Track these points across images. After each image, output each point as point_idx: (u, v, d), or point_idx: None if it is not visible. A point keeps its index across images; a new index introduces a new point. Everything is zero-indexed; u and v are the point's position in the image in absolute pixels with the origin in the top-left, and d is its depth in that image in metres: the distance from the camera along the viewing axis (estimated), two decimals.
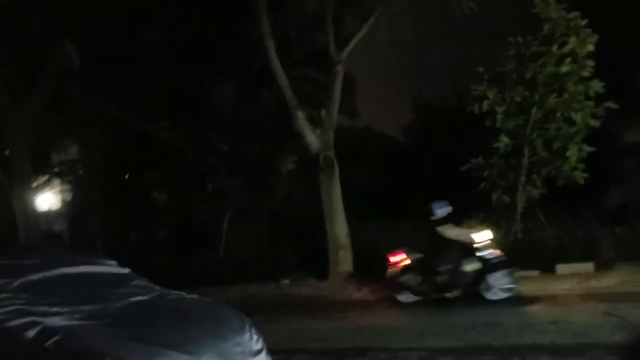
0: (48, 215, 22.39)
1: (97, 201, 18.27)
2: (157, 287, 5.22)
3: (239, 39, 14.04)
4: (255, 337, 4.62)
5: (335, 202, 11.90)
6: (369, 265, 12.28)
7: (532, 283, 10.46)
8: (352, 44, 12.65)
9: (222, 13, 13.40)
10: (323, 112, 12.33)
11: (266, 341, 6.42)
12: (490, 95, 12.29)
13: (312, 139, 12.05)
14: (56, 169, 20.52)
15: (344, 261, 11.76)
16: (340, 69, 12.60)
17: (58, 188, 22.55)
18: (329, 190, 11.93)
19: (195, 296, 5.15)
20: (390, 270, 9.59)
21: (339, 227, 11.84)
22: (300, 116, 12.06)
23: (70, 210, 21.52)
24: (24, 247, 9.11)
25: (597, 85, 11.93)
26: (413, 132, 20.81)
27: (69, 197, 21.96)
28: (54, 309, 4.17)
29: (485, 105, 12.32)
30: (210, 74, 15.33)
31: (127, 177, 19.48)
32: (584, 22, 11.60)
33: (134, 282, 5.13)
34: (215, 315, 4.66)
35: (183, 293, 5.22)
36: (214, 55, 14.94)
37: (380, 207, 15.90)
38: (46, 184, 21.37)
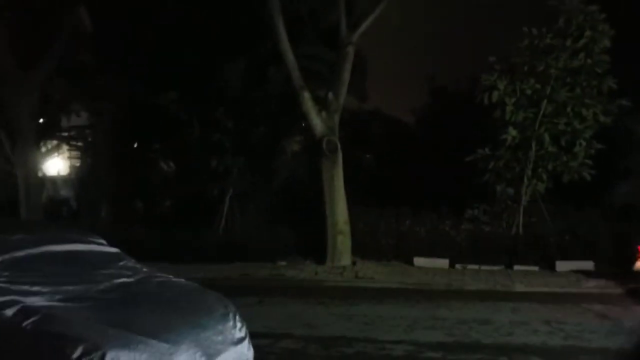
0: (56, 180, 22.57)
1: (105, 168, 18.29)
2: (145, 269, 5.18)
3: (250, 15, 13.83)
4: (238, 325, 4.58)
5: (337, 187, 11.79)
6: (371, 252, 12.33)
7: (530, 279, 10.39)
8: (365, 25, 12.41)
9: None
10: (330, 94, 12.15)
11: (256, 324, 6.44)
12: (501, 86, 12.11)
13: (317, 122, 11.91)
14: (65, 134, 20.59)
15: (343, 247, 11.71)
16: (350, 51, 12.38)
17: (67, 154, 22.68)
18: (331, 176, 11.82)
19: (182, 280, 5.11)
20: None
21: (339, 213, 11.76)
22: (307, 97, 11.90)
23: (78, 177, 21.61)
24: (10, 221, 9.07)
25: (610, 81, 11.71)
26: (423, 117, 20.45)
27: (77, 163, 22.04)
28: (36, 288, 4.15)
29: (495, 95, 12.14)
30: (220, 51, 15.17)
31: (135, 146, 19.47)
32: (602, 16, 11.33)
33: (121, 263, 5.09)
34: (199, 302, 4.62)
35: (170, 276, 5.18)
36: (223, 31, 14.78)
37: (384, 194, 15.90)
38: (55, 149, 21.48)
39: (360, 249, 12.31)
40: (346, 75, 12.36)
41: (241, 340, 4.52)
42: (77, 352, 3.58)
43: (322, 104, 12.33)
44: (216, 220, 14.41)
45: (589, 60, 11.58)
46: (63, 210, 20.18)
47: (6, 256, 4.34)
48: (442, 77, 20.13)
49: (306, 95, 11.89)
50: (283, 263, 12.10)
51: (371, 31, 14.94)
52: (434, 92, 20.08)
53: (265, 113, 15.28)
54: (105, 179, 18.29)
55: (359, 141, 19.27)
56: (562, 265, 11.17)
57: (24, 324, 3.76)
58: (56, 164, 23.10)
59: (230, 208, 14.65)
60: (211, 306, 4.60)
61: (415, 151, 18.72)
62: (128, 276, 4.84)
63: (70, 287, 4.31)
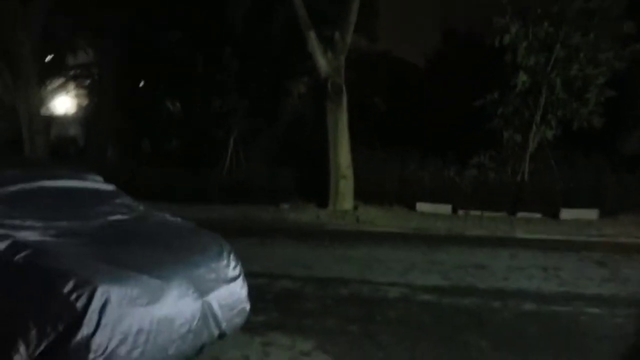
0: (63, 119, 22.56)
1: (111, 107, 18.22)
2: (141, 207, 5.17)
3: None
4: (232, 264, 4.59)
5: (341, 131, 11.67)
6: (374, 196, 12.32)
7: (532, 226, 10.38)
8: None
9: None
10: (336, 34, 11.84)
11: (255, 264, 6.50)
12: (513, 28, 11.73)
13: (322, 62, 11.66)
14: (72, 72, 20.44)
15: (345, 191, 11.69)
16: None
17: (74, 92, 22.56)
18: (335, 119, 11.68)
19: (178, 219, 5.10)
20: None
21: (342, 157, 11.68)
22: (312, 37, 11.62)
23: (85, 115, 21.57)
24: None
25: (628, 26, 11.31)
26: (434, 60, 20.10)
27: (84, 101, 21.96)
28: (28, 223, 4.14)
29: (506, 38, 11.80)
30: None
31: (141, 84, 19.31)
32: None
33: (117, 200, 5.09)
34: (193, 240, 4.63)
35: (167, 215, 5.18)
36: None
37: (391, 137, 15.84)
38: (61, 88, 21.38)
39: (363, 193, 12.31)
40: (353, 15, 12.01)
41: (234, 278, 4.54)
42: (68, 287, 3.58)
43: (328, 44, 12.05)
44: (220, 162, 14.42)
45: (604, 3, 11.15)
46: (70, 149, 20.28)
47: None
48: (454, 19, 19.62)
49: (312, 34, 11.61)
50: (285, 206, 12.15)
51: None
52: (446, 35, 19.61)
53: (270, 53, 15.01)
54: (112, 118, 18.26)
55: (367, 83, 18.95)
56: (566, 213, 11.13)
57: (15, 258, 3.77)
58: (63, 103, 23.03)
59: (234, 150, 14.62)
60: (205, 245, 4.60)
61: (424, 95, 18.54)
62: (123, 213, 4.84)
63: (64, 223, 4.30)
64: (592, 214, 11.14)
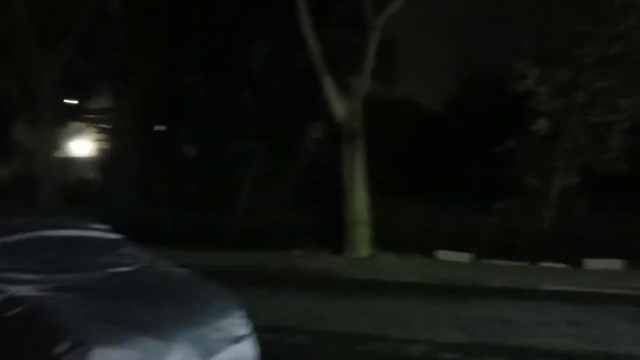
0: (82, 162, 22.68)
1: (129, 151, 18.27)
2: (146, 257, 4.92)
3: None
4: (240, 321, 4.28)
5: (357, 175, 11.44)
6: (392, 243, 11.95)
7: (557, 276, 9.91)
8: (389, 10, 11.97)
9: None
10: (353, 80, 11.75)
11: (266, 317, 6.16)
12: (533, 73, 11.56)
13: (339, 107, 11.54)
14: (92, 116, 20.64)
15: (361, 238, 11.36)
16: (375, 35, 11.95)
17: (92, 136, 22.77)
18: (351, 163, 11.46)
19: (184, 270, 4.83)
20: None
21: (359, 202, 11.41)
22: (328, 82, 11.54)
23: (103, 159, 21.70)
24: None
25: None
26: (453, 106, 20.08)
27: (103, 145, 22.14)
28: (25, 277, 3.90)
29: (527, 83, 11.61)
30: (245, 32, 14.91)
31: (160, 128, 19.43)
32: None
33: (121, 250, 4.84)
34: (197, 295, 4.34)
35: (173, 266, 4.91)
36: (249, 12, 14.49)
37: (411, 183, 15.32)
38: (81, 130, 21.56)
39: (381, 240, 11.94)
40: (370, 61, 11.95)
41: (243, 337, 4.23)
42: (62, 347, 3.33)
43: (346, 89, 11.97)
44: (235, 206, 14.23)
45: (628, 48, 10.96)
46: (88, 191, 20.28)
47: None
48: (473, 64, 19.64)
49: (328, 80, 11.54)
50: (300, 252, 11.81)
51: (401, 17, 14.53)
52: (466, 80, 19.64)
53: (288, 97, 15.01)
54: (130, 162, 18.29)
55: (386, 128, 19.00)
56: (591, 263, 10.65)
57: (9, 313, 3.52)
58: (83, 146, 23.21)
59: (249, 194, 14.44)
60: (212, 300, 4.31)
61: (444, 140, 18.36)
62: (126, 265, 4.58)
63: (62, 276, 4.05)
64: (617, 264, 10.65)
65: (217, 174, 15.57)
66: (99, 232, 5.03)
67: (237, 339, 4.15)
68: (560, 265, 10.82)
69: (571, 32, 11.29)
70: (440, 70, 22.50)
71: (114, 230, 5.20)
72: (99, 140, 22.73)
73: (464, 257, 11.27)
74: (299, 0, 11.42)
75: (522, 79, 11.63)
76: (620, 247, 10.99)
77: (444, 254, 11.40)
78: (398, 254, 11.63)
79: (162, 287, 4.35)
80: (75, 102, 19.57)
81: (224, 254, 11.66)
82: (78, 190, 19.30)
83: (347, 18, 13.93)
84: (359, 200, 11.44)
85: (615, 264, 10.59)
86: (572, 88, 11.47)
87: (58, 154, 15.23)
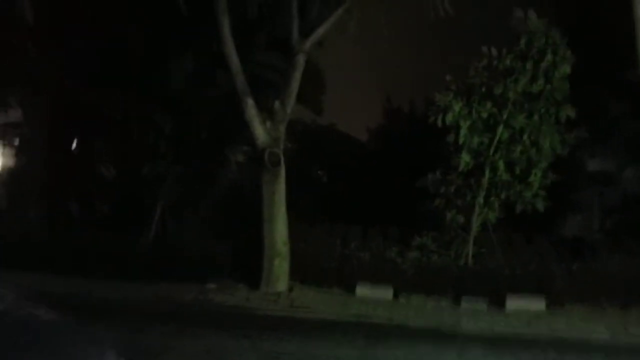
0: None
1: (37, 168, 16.88)
2: (8, 299, 4.04)
3: (198, 12, 12.89)
4: None
5: (277, 204, 10.82)
6: (311, 276, 11.38)
7: (478, 316, 9.65)
8: (317, 34, 11.64)
9: None
10: (276, 103, 11.23)
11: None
12: (456, 107, 11.49)
13: (260, 131, 10.94)
14: None
15: (279, 271, 10.69)
16: (301, 59, 11.53)
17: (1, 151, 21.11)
18: (271, 190, 10.84)
19: (51, 315, 3.98)
20: None
21: (278, 233, 10.77)
22: (250, 104, 10.94)
23: (10, 176, 20.15)
24: None
25: (569, 110, 11.27)
26: (378, 136, 20.01)
27: (11, 161, 20.60)
28: None
29: (449, 117, 11.52)
30: (165, 49, 14.17)
31: (74, 146, 18.18)
32: (564, 40, 10.90)
33: None
34: (63, 350, 3.54)
35: (39, 308, 4.06)
36: (170, 29, 13.76)
37: (334, 211, 15.13)
38: None
39: (300, 272, 11.33)
40: (295, 85, 11.48)
41: None
42: None
43: (269, 113, 11.43)
44: (145, 232, 13.23)
45: (548, 86, 11.12)
46: None
47: None
48: (398, 96, 19.76)
49: (249, 102, 10.95)
50: (213, 285, 10.96)
51: (329, 45, 14.29)
52: (389, 113, 19.62)
53: (209, 118, 14.29)
54: (38, 179, 16.91)
55: (310, 155, 18.61)
56: (512, 301, 10.45)
57: None
58: None
59: (161, 219, 13.49)
60: (79, 351, 3.52)
61: (367, 171, 18.24)
62: None
63: None
64: (539, 303, 10.52)
65: (132, 195, 14.53)
66: None
67: None
68: (482, 304, 10.55)
69: (495, 67, 11.33)
70: (365, 99, 22.58)
71: None
72: (6, 156, 21.16)
73: (383, 292, 10.82)
74: (220, 17, 10.82)
75: (446, 112, 11.52)
76: (541, 284, 10.93)
77: (363, 289, 10.90)
78: (317, 288, 11.04)
79: (16, 340, 3.51)
80: None
81: (128, 285, 10.64)
82: None
83: (273, 41, 13.52)
84: (279, 230, 10.81)
85: (537, 302, 10.46)
86: (494, 123, 11.46)
87: None
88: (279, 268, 10.68)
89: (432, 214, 12.21)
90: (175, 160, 13.95)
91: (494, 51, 11.39)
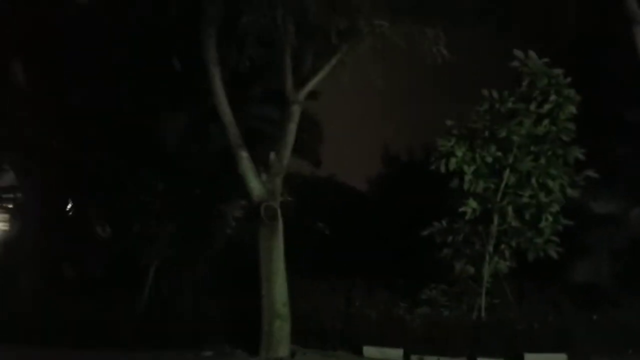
0: None
1: (33, 232, 16.38)
2: None
3: (188, 65, 12.67)
4: None
5: (276, 261, 10.17)
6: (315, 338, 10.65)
7: None
8: (311, 84, 11.32)
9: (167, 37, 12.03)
10: (272, 155, 10.76)
11: None
12: (459, 152, 11.07)
13: (255, 184, 10.42)
14: None
15: (280, 334, 9.92)
16: (296, 110, 11.16)
17: None
18: (269, 246, 10.21)
19: None
20: None
21: (277, 292, 10.06)
22: (244, 157, 10.47)
23: (3, 241, 19.73)
24: None
25: (576, 151, 10.84)
26: (378, 186, 19.83)
27: (5, 225, 20.21)
28: None
29: (452, 163, 11.08)
30: (157, 106, 13.91)
31: (68, 207, 17.74)
32: (567, 80, 10.56)
33: None
34: None
35: None
36: (162, 85, 13.52)
37: (336, 265, 14.19)
38: None
39: (302, 334, 10.58)
40: (290, 136, 11.08)
41: None
42: None
43: (265, 166, 10.97)
44: (138, 296, 12.53)
45: (553, 128, 10.72)
46: None
47: None
48: (398, 144, 19.55)
49: (243, 154, 10.49)
50: (209, 353, 10.21)
51: (327, 95, 14.10)
52: (386, 160, 19.50)
53: (203, 173, 13.83)
54: (31, 243, 16.36)
55: (310, 208, 17.92)
56: (532, 359, 9.71)
57: None
58: None
59: (155, 281, 12.81)
60: None
61: (368, 221, 17.64)
62: None
63: None
64: (561, 358, 9.78)
65: (125, 256, 13.89)
66: None
67: None
68: None
69: (497, 110, 10.95)
70: (364, 149, 22.38)
71: None
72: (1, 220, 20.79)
73: (393, 353, 10.08)
74: (211, 68, 10.52)
75: (449, 158, 11.09)
76: (560, 338, 10.21)
77: (371, 351, 10.17)
78: (321, 352, 10.29)
79: None
80: None
81: (119, 354, 9.95)
82: None
83: (268, 92, 13.27)
84: (278, 289, 10.11)
85: (558, 358, 9.71)
86: (500, 168, 11.00)
87: None
88: (280, 331, 9.93)
89: (440, 265, 11.58)
90: (169, 218, 13.39)
91: (495, 94, 11.06)
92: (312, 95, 16.96)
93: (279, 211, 10.31)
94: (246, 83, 13.58)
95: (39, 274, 16.08)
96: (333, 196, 19.31)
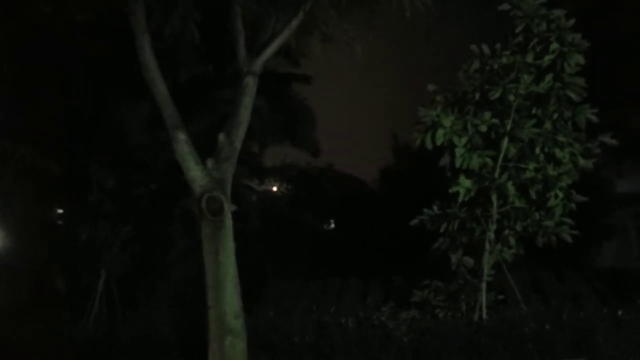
0: None
1: (24, 242, 14.96)
2: None
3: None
4: None
5: (224, 265, 8.27)
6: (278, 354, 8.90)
7: None
8: (269, 51, 9.44)
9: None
10: (221, 136, 8.90)
11: None
12: (446, 123, 9.15)
13: (196, 172, 8.50)
14: None
15: (233, 353, 8.08)
16: (250, 82, 9.27)
17: None
18: (214, 249, 8.27)
19: None
20: None
21: (227, 302, 8.15)
22: (181, 140, 8.61)
23: None
24: None
25: (587, 111, 8.90)
26: (383, 177, 18.98)
27: None
28: None
29: (440, 136, 9.18)
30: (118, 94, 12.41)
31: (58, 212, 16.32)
32: (570, 22, 8.64)
33: None
34: None
35: None
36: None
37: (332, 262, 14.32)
38: None
39: (268, 350, 8.86)
40: (245, 113, 9.17)
41: None
42: None
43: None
44: (86, 312, 10.91)
45: (558, 84, 8.79)
46: None
47: None
48: (404, 128, 18.53)
49: (181, 137, 8.62)
50: None
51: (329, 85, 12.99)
52: (396, 150, 18.75)
53: (159, 166, 12.20)
54: (21, 255, 14.94)
55: (308, 201, 17.44)
56: None
57: None
58: None
59: (106, 294, 11.17)
60: None
61: (371, 216, 16.79)
62: None
63: None
64: None
65: (70, 268, 12.30)
66: None
67: None
68: None
69: (490, 68, 9.05)
70: (370, 139, 21.43)
71: None
72: None
73: None
74: (139, 37, 8.73)
75: (435, 130, 9.21)
76: (578, 339, 8.33)
77: None
78: None
79: None
80: None
81: None
82: None
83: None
84: (229, 298, 8.20)
85: None
86: (497, 137, 9.11)
87: None
88: (231, 349, 8.06)
89: (435, 258, 9.75)
90: (123, 222, 11.73)
91: (485, 49, 9.16)
92: (305, 79, 15.71)
93: (226, 204, 8.42)
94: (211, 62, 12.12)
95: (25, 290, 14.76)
96: (332, 187, 18.32)
